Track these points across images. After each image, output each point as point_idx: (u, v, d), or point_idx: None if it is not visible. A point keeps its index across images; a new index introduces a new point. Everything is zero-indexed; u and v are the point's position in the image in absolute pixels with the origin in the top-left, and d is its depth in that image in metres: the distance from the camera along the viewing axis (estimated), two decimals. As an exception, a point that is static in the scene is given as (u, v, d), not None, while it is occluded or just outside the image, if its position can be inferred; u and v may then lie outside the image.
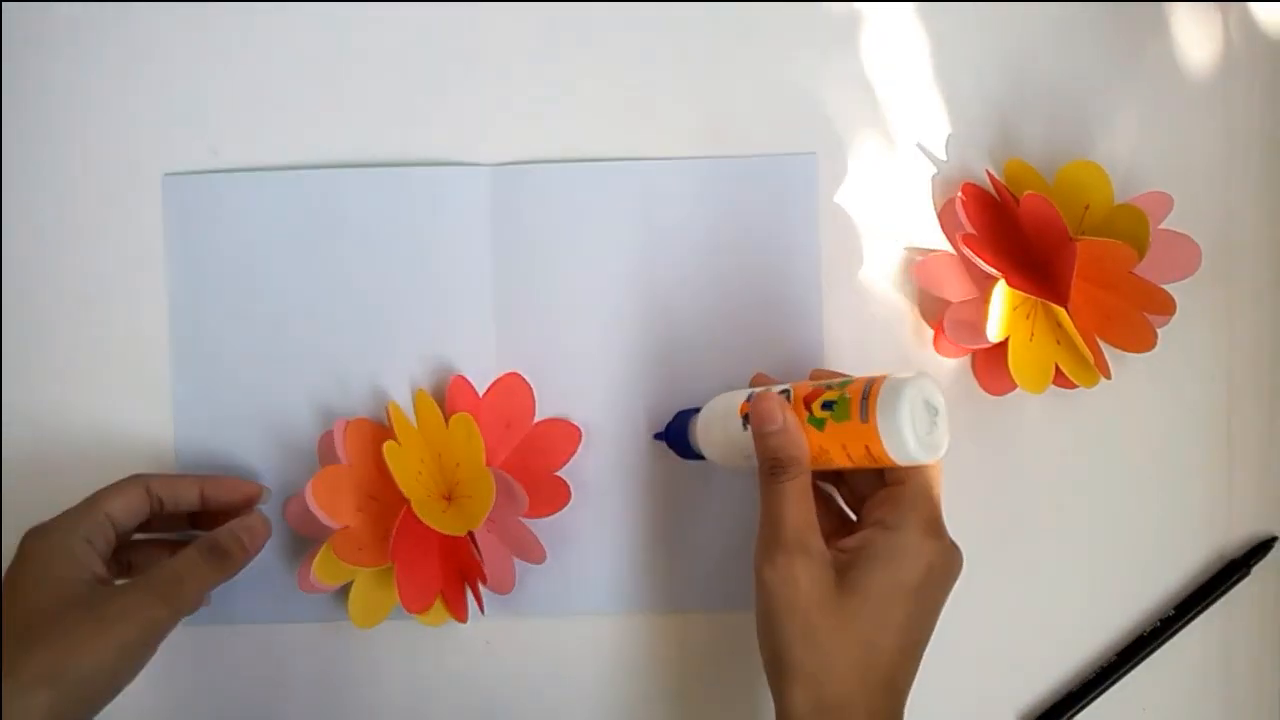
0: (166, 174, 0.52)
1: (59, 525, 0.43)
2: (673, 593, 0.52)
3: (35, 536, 0.42)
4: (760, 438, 0.43)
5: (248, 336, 0.52)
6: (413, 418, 0.50)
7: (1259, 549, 0.52)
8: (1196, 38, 0.53)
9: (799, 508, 0.42)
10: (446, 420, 0.49)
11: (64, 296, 0.52)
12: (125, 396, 0.52)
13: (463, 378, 0.50)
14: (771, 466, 0.43)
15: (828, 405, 0.43)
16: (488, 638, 0.52)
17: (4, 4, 0.51)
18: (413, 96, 0.52)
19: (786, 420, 0.43)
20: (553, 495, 0.50)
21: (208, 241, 0.52)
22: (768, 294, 0.52)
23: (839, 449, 0.42)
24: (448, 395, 0.50)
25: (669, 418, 0.51)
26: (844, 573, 0.41)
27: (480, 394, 0.51)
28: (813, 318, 0.52)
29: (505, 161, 0.52)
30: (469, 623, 0.49)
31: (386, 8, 0.52)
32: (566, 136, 0.52)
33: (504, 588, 0.50)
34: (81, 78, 0.52)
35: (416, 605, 0.47)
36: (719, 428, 0.47)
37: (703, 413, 0.49)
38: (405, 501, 0.47)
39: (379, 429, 0.50)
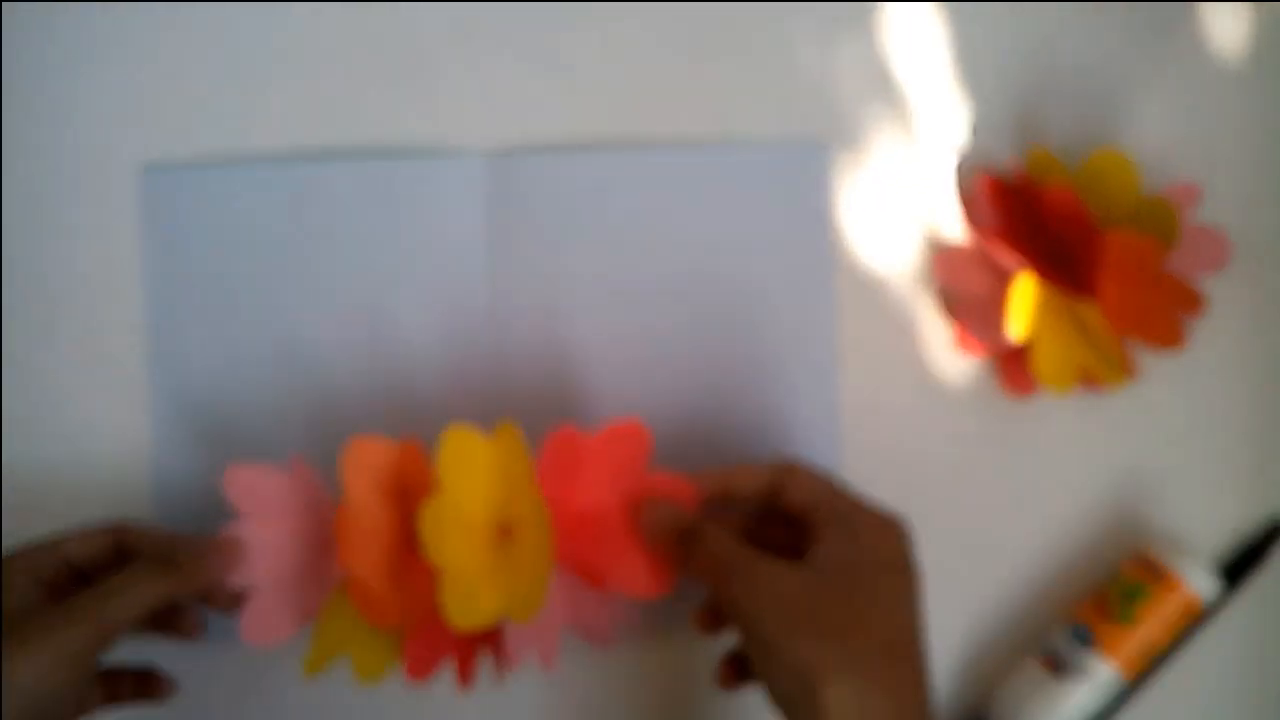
0: (145, 166, 0.51)
1: (4, 558, 0.43)
2: (670, 614, 0.49)
3: None
4: (660, 546, 0.44)
5: (229, 335, 0.50)
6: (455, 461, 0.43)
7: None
8: (1226, 25, 0.52)
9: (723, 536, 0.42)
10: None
11: (38, 294, 0.51)
12: (101, 398, 0.50)
13: (568, 430, 0.43)
14: (684, 538, 0.43)
15: (1124, 598, 0.48)
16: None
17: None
18: (405, 83, 0.51)
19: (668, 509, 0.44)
20: (649, 576, 0.44)
21: (188, 236, 0.50)
22: (779, 289, 0.51)
23: (1159, 626, 0.47)
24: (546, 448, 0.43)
25: (672, 417, 0.49)
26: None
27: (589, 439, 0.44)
28: (826, 313, 0.51)
29: (502, 150, 0.51)
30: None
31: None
32: (567, 123, 0.51)
33: (602, 638, 0.45)
34: (56, 67, 0.51)
35: (422, 673, 0.43)
36: (1030, 698, 0.48)
37: (999, 701, 0.49)
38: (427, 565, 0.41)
39: (382, 451, 0.43)
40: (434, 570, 0.41)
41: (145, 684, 0.47)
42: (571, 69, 0.51)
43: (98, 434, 0.50)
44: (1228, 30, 0.52)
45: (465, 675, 0.43)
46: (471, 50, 0.51)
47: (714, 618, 0.46)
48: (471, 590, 0.41)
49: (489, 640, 0.43)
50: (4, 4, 0.50)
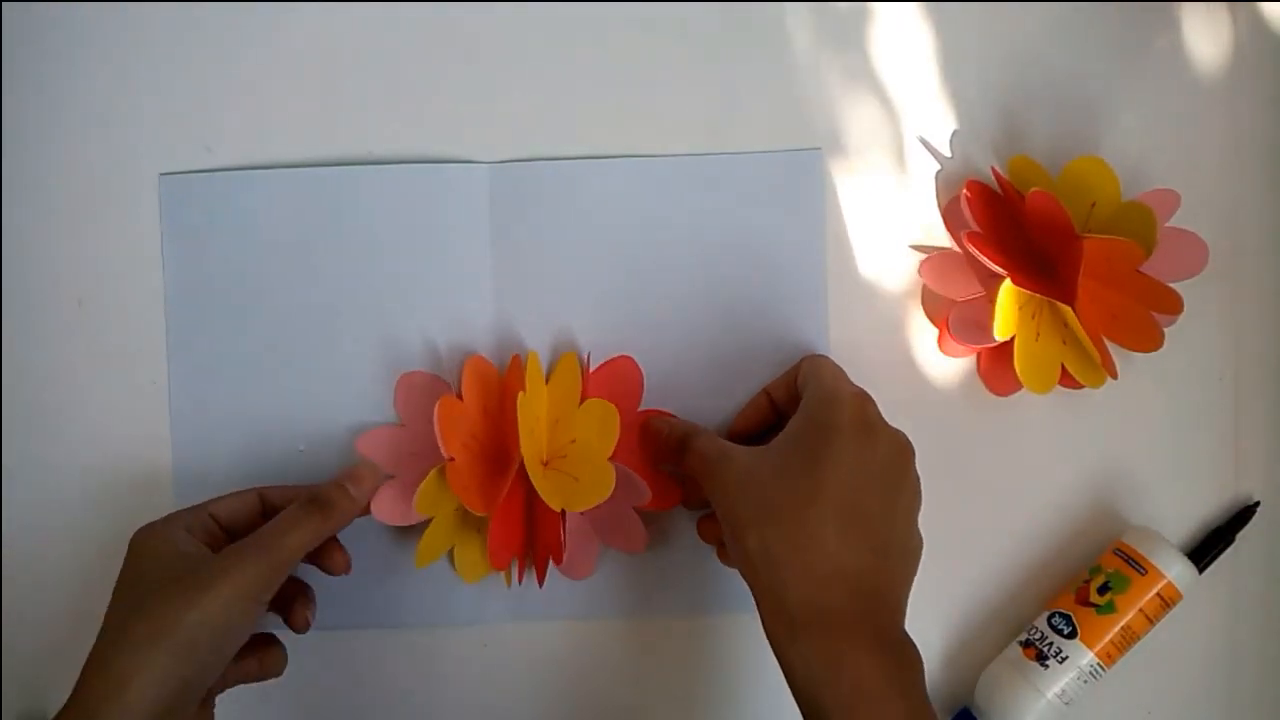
0: (162, 173, 0.51)
1: (161, 520, 0.45)
2: (671, 597, 0.52)
3: (140, 532, 0.44)
4: (662, 451, 0.48)
5: (245, 336, 0.51)
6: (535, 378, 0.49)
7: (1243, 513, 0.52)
8: (1204, 34, 0.52)
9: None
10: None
11: (60, 297, 0.52)
12: (122, 397, 0.51)
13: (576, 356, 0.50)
14: (680, 442, 0.47)
15: (1104, 588, 0.49)
16: (484, 640, 0.51)
17: (3, 4, 0.51)
18: (410, 94, 0.52)
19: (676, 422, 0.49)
20: (662, 490, 0.50)
21: (205, 241, 0.51)
22: (771, 291, 0.51)
23: (1137, 615, 0.49)
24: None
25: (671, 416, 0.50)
26: None
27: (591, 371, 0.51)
28: (817, 316, 0.51)
29: (505, 159, 0.51)
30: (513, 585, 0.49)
31: (383, 6, 0.51)
32: (566, 134, 0.52)
33: (581, 572, 0.50)
34: (76, 77, 0.52)
35: (501, 562, 0.48)
36: (1013, 683, 0.49)
37: (982, 687, 0.50)
38: (513, 455, 0.47)
39: (495, 374, 0.50)
40: (515, 466, 0.46)
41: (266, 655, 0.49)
42: (572, 83, 0.52)
43: (120, 425, 0.51)
44: (1206, 38, 0.52)
45: (535, 564, 0.49)
46: (477, 64, 0.52)
47: (711, 524, 0.48)
48: (539, 477, 0.47)
49: (547, 540, 0.48)
50: (34, 24, 0.51)
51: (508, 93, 0.52)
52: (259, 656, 0.48)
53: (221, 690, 0.46)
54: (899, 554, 0.42)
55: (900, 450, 0.44)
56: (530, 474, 0.46)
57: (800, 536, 0.40)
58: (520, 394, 0.46)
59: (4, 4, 0.51)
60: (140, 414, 0.51)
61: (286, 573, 0.43)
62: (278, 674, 0.48)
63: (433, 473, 0.47)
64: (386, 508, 0.48)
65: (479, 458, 0.48)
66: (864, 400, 0.44)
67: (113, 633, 0.41)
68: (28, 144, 0.51)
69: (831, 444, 0.42)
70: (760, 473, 0.43)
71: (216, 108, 0.52)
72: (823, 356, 0.50)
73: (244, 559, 0.42)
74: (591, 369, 0.50)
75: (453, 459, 0.47)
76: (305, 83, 0.52)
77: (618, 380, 0.50)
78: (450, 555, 0.50)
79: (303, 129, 0.52)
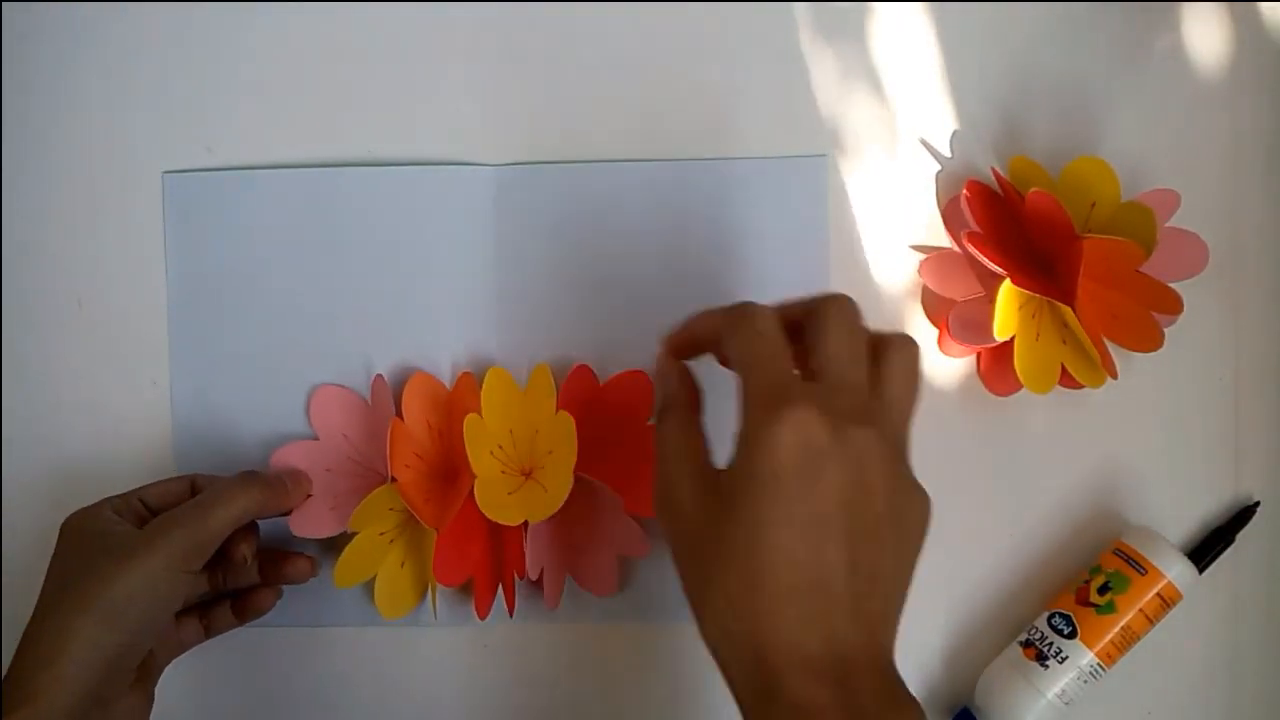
0: (166, 172, 0.51)
1: (88, 506, 0.45)
2: (670, 601, 0.51)
3: (69, 517, 0.44)
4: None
5: (247, 335, 0.51)
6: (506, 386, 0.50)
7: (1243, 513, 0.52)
8: (1204, 35, 0.52)
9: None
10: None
11: (60, 297, 0.52)
12: (123, 395, 0.51)
13: (586, 366, 0.50)
14: (661, 409, 0.40)
15: (1104, 588, 0.49)
16: (485, 641, 0.51)
17: (3, 4, 0.51)
18: (413, 96, 0.52)
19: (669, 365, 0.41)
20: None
21: (208, 240, 0.51)
22: (774, 293, 0.50)
23: (1137, 615, 0.49)
24: (566, 379, 0.50)
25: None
26: None
27: (600, 383, 0.50)
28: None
29: (511, 162, 0.51)
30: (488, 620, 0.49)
31: (386, 6, 0.51)
32: (571, 137, 0.52)
33: (605, 588, 0.50)
34: (78, 76, 0.52)
35: (450, 579, 0.48)
36: (1013, 683, 0.49)
37: (982, 687, 0.50)
38: (463, 470, 0.47)
39: (442, 390, 0.50)
40: (467, 481, 0.47)
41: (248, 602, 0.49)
42: (577, 87, 0.52)
43: (121, 425, 0.51)
44: (1206, 38, 0.52)
45: (484, 597, 0.49)
46: (481, 66, 0.52)
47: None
48: (499, 495, 0.47)
49: (507, 559, 0.48)
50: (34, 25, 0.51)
51: (512, 95, 0.52)
52: (204, 619, 0.48)
53: (171, 658, 0.47)
54: (882, 599, 0.35)
55: (858, 464, 0.34)
56: (478, 496, 0.46)
57: (753, 616, 0.34)
58: (470, 416, 0.47)
59: (4, 4, 0.51)
60: (141, 414, 0.51)
61: (214, 546, 0.43)
62: (238, 625, 0.49)
63: (380, 489, 0.47)
64: (300, 519, 0.49)
65: (425, 475, 0.49)
66: (805, 425, 0.34)
67: (44, 609, 0.41)
68: (28, 144, 0.51)
69: (764, 502, 0.34)
70: (703, 538, 0.36)
71: (217, 108, 0.52)
72: (745, 342, 0.38)
73: (169, 531, 0.42)
74: (602, 381, 0.50)
75: (394, 479, 0.47)
76: (306, 83, 0.52)
77: (630, 392, 0.50)
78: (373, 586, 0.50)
79: (304, 130, 0.52)
